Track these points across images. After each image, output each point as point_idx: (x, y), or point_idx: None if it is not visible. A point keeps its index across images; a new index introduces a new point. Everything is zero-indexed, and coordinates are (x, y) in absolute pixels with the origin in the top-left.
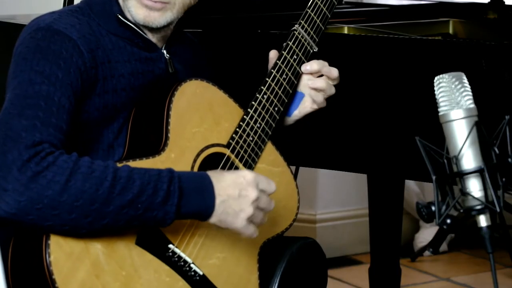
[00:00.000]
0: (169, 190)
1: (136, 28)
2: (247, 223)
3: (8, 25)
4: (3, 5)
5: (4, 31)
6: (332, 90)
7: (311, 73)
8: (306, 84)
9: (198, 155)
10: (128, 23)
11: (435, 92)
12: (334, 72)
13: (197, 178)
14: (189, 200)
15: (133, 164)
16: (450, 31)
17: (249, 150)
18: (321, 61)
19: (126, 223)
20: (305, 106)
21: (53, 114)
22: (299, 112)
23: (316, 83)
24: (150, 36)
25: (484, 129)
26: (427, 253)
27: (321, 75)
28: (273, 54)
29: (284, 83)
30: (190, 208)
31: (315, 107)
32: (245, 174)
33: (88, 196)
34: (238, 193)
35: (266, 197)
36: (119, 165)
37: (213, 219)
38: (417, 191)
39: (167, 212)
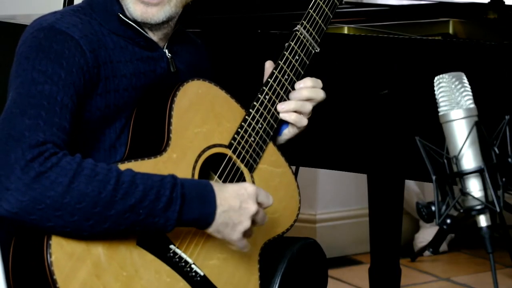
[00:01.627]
0: (172, 197)
1: (137, 27)
2: (242, 236)
3: (8, 25)
4: (3, 5)
5: (4, 31)
6: (306, 107)
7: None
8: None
9: (199, 155)
10: (129, 22)
11: (435, 92)
12: (304, 93)
13: (200, 186)
14: (191, 207)
15: (135, 164)
16: (450, 31)
17: (250, 151)
18: (306, 80)
19: (127, 227)
20: (289, 130)
21: (56, 114)
22: (289, 132)
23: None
24: (152, 35)
25: (484, 129)
26: (427, 253)
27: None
28: (268, 65)
29: (286, 84)
30: (191, 215)
31: (296, 130)
32: (246, 186)
33: (91, 199)
34: (239, 205)
35: (262, 212)
36: (121, 166)
37: (212, 229)
38: (417, 191)
39: (168, 219)
